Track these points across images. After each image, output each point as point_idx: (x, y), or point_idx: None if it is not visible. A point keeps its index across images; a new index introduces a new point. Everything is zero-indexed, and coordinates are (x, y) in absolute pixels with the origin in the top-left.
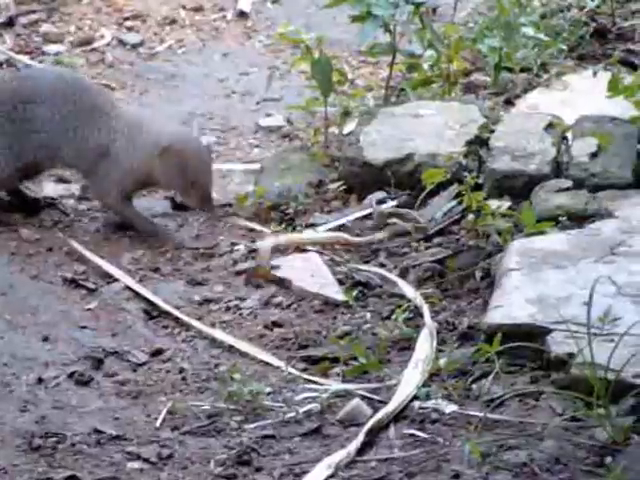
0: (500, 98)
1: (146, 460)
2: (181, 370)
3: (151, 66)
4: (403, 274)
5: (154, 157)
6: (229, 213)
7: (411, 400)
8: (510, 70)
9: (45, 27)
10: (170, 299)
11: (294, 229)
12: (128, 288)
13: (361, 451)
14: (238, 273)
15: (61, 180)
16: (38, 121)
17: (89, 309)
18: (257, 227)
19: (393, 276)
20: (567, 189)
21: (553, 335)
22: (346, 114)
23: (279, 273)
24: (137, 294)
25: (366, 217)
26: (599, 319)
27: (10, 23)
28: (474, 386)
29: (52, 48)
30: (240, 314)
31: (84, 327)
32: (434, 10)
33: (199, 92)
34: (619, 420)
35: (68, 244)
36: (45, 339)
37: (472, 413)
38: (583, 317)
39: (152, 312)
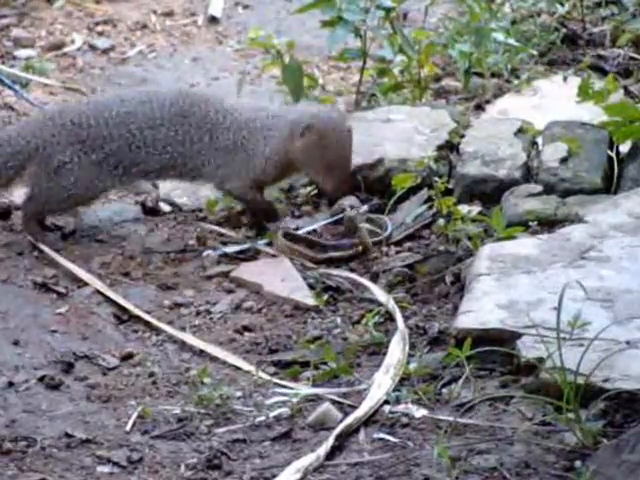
0: (471, 103)
1: (116, 464)
2: (151, 374)
3: (122, 71)
4: (374, 279)
5: (296, 137)
6: (199, 218)
7: (381, 405)
8: (481, 75)
9: (16, 32)
10: (140, 303)
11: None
12: (98, 292)
13: (331, 455)
14: (208, 277)
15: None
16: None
17: (59, 313)
18: (226, 232)
19: (366, 281)
20: (537, 194)
21: (523, 340)
22: None
23: (249, 277)
24: (107, 298)
25: (337, 222)
26: (569, 324)
27: None
28: (444, 390)
29: (23, 53)
30: (210, 318)
31: (54, 331)
32: (405, 15)
33: None
34: (589, 424)
35: (38, 248)
36: (15, 343)
37: (442, 417)
38: (553, 322)
39: (122, 316)
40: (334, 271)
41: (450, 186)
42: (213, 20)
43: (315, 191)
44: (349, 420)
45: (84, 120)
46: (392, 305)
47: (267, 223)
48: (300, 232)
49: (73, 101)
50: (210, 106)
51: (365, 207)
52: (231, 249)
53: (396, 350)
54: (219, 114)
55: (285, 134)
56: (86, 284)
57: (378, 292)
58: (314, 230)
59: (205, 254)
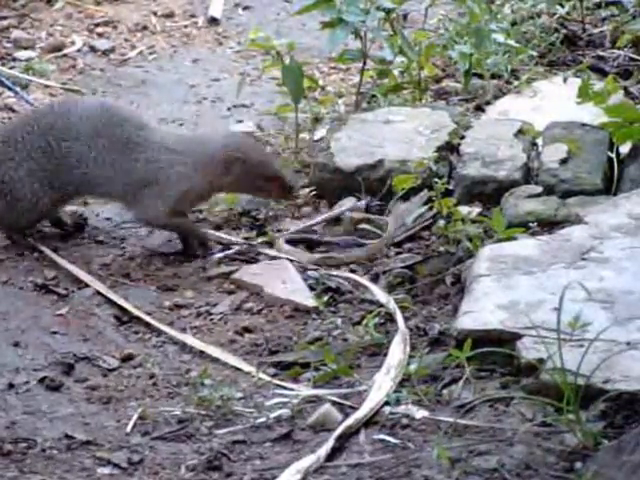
0: (470, 104)
1: (116, 465)
2: (152, 375)
3: (122, 72)
4: (374, 280)
5: (218, 171)
6: (199, 219)
7: (382, 406)
8: (481, 76)
9: (16, 33)
10: (141, 305)
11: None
12: (99, 294)
13: (331, 456)
14: (209, 279)
15: None
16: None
17: (60, 314)
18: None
19: (367, 282)
20: (537, 195)
21: (523, 341)
22: (317, 120)
23: (249, 279)
24: (108, 300)
25: (337, 222)
26: (569, 325)
27: None
28: (444, 391)
29: (23, 54)
30: (211, 320)
31: (55, 332)
32: (405, 17)
33: (170, 98)
34: (589, 425)
35: (39, 250)
36: (16, 344)
37: (442, 418)
38: (553, 323)
39: (123, 318)
40: (334, 272)
41: (450, 187)
42: (213, 21)
43: (315, 192)
44: (349, 421)
45: (11, 136)
46: (393, 306)
47: (199, 247)
48: (298, 233)
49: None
50: (130, 126)
51: (363, 202)
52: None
53: (396, 351)
54: (139, 137)
55: (207, 168)
56: (86, 285)
57: (379, 293)
58: (313, 230)
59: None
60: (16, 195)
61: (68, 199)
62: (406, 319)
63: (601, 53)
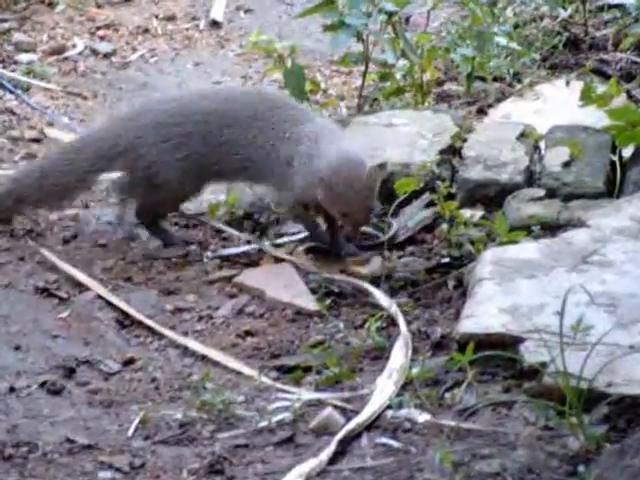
0: (473, 107)
1: (118, 469)
2: (153, 379)
3: (123, 75)
4: (376, 283)
5: (316, 182)
6: (201, 222)
7: (384, 409)
8: (483, 79)
9: (17, 36)
10: (142, 308)
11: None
12: (100, 297)
13: (333, 460)
14: (211, 282)
15: None
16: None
17: (61, 318)
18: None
19: (369, 286)
20: (540, 198)
21: (526, 344)
22: None
23: (251, 282)
24: (109, 303)
25: None
26: (572, 328)
27: None
28: (447, 395)
29: (24, 57)
30: (213, 323)
31: (56, 336)
32: (407, 20)
33: None
34: (592, 429)
35: (40, 253)
36: (17, 348)
37: (445, 422)
38: (556, 326)
39: (124, 321)
40: (336, 276)
41: (453, 190)
42: (215, 24)
43: None
44: (351, 425)
45: (168, 118)
46: (395, 310)
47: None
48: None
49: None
50: (286, 109)
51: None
52: (231, 251)
53: (399, 355)
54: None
55: (312, 177)
56: (88, 289)
57: (381, 297)
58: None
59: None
60: (165, 178)
61: (212, 183)
62: (408, 322)
63: (604, 56)
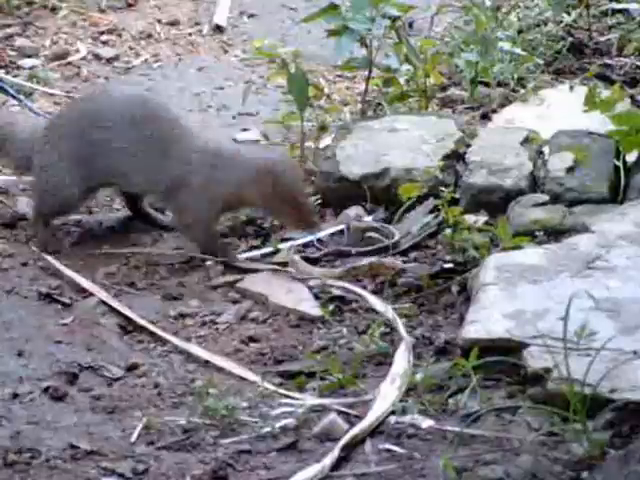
0: (477, 112)
1: (121, 475)
2: (156, 385)
3: (127, 80)
4: (379, 289)
5: (251, 181)
6: None
7: (387, 415)
8: (487, 84)
9: (20, 41)
10: (145, 314)
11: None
12: (103, 303)
13: (336, 466)
14: (214, 288)
15: None
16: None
17: (64, 324)
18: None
19: (364, 292)
20: (543, 204)
21: (530, 350)
22: (322, 128)
23: (254, 288)
24: (112, 309)
25: (342, 231)
26: (576, 334)
27: None
28: (451, 401)
29: (27, 62)
30: (216, 329)
31: (59, 342)
32: (410, 24)
33: (175, 106)
34: (595, 435)
35: (43, 259)
36: (19, 354)
37: (449, 428)
38: (559, 332)
39: (127, 327)
40: (335, 282)
41: (456, 196)
42: (218, 29)
43: (320, 201)
44: (355, 431)
45: (53, 121)
46: (392, 315)
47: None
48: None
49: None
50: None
51: (370, 217)
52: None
53: (402, 360)
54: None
55: (243, 178)
56: (91, 294)
57: (376, 303)
58: (319, 240)
59: (209, 263)
60: (50, 180)
61: (99, 189)
62: (412, 328)
63: (608, 61)
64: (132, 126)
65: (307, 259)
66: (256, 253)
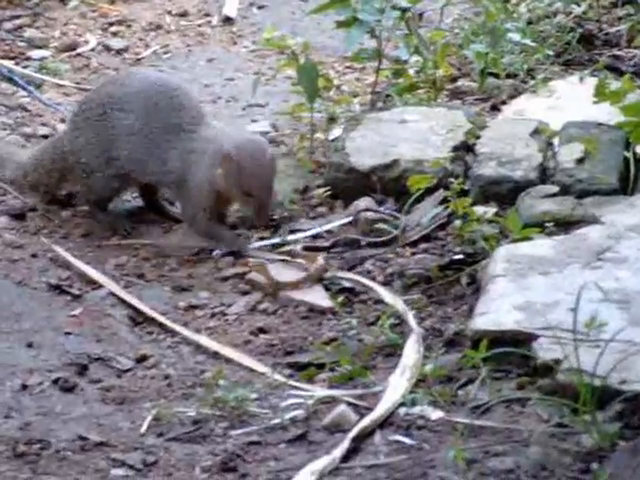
0: (486, 104)
1: (131, 467)
2: (166, 376)
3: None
4: (388, 280)
5: (217, 166)
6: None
7: (397, 407)
8: (496, 76)
9: (30, 32)
10: (155, 305)
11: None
12: (113, 294)
13: (346, 458)
14: (224, 279)
15: None
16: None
17: (74, 315)
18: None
19: (374, 284)
20: (553, 195)
21: (539, 341)
22: (332, 120)
23: (264, 280)
24: (122, 300)
25: (351, 223)
26: (585, 325)
27: None
28: (460, 392)
29: (37, 53)
30: (225, 320)
31: (68, 333)
32: (420, 16)
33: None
34: (605, 426)
35: (52, 250)
36: (29, 345)
37: (458, 419)
38: (569, 323)
39: (137, 318)
40: (345, 274)
41: (466, 187)
42: (228, 20)
43: (330, 192)
44: (365, 422)
45: (80, 106)
46: (402, 307)
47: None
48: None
49: None
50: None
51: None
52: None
53: (412, 352)
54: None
55: (212, 163)
56: (100, 286)
57: (387, 295)
58: (329, 231)
59: (214, 253)
60: (84, 166)
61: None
62: (421, 319)
63: (617, 52)
64: (149, 113)
65: (316, 248)
66: (266, 243)
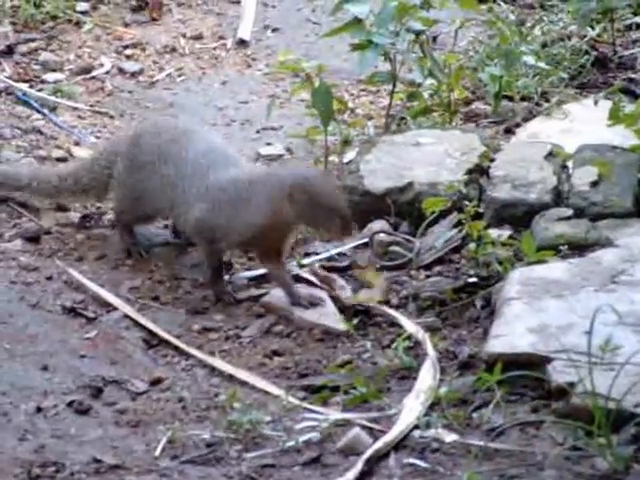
0: (500, 127)
1: None
2: (180, 399)
3: (151, 94)
4: (403, 303)
5: (283, 201)
6: None
7: (411, 429)
8: (511, 99)
9: (44, 55)
10: (170, 328)
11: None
12: (127, 317)
13: None
14: (238, 302)
15: (60, 208)
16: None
17: (88, 338)
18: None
19: (393, 311)
20: (568, 218)
21: (554, 364)
22: (346, 143)
23: (279, 302)
24: (136, 323)
25: (365, 245)
26: (600, 348)
27: (9, 51)
28: (475, 415)
29: (51, 76)
30: (240, 343)
31: (83, 356)
32: (434, 39)
33: (198, 121)
34: (620, 449)
35: (67, 273)
36: (44, 368)
37: (473, 442)
38: (584, 346)
39: (151, 341)
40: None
41: (480, 210)
42: (242, 43)
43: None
44: (379, 445)
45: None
46: (417, 330)
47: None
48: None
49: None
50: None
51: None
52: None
53: (426, 375)
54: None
55: (275, 199)
56: (115, 309)
57: (400, 317)
58: (343, 253)
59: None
60: (117, 194)
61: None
62: (436, 342)
63: (632, 75)
64: (173, 163)
65: (334, 269)
66: (316, 259)
